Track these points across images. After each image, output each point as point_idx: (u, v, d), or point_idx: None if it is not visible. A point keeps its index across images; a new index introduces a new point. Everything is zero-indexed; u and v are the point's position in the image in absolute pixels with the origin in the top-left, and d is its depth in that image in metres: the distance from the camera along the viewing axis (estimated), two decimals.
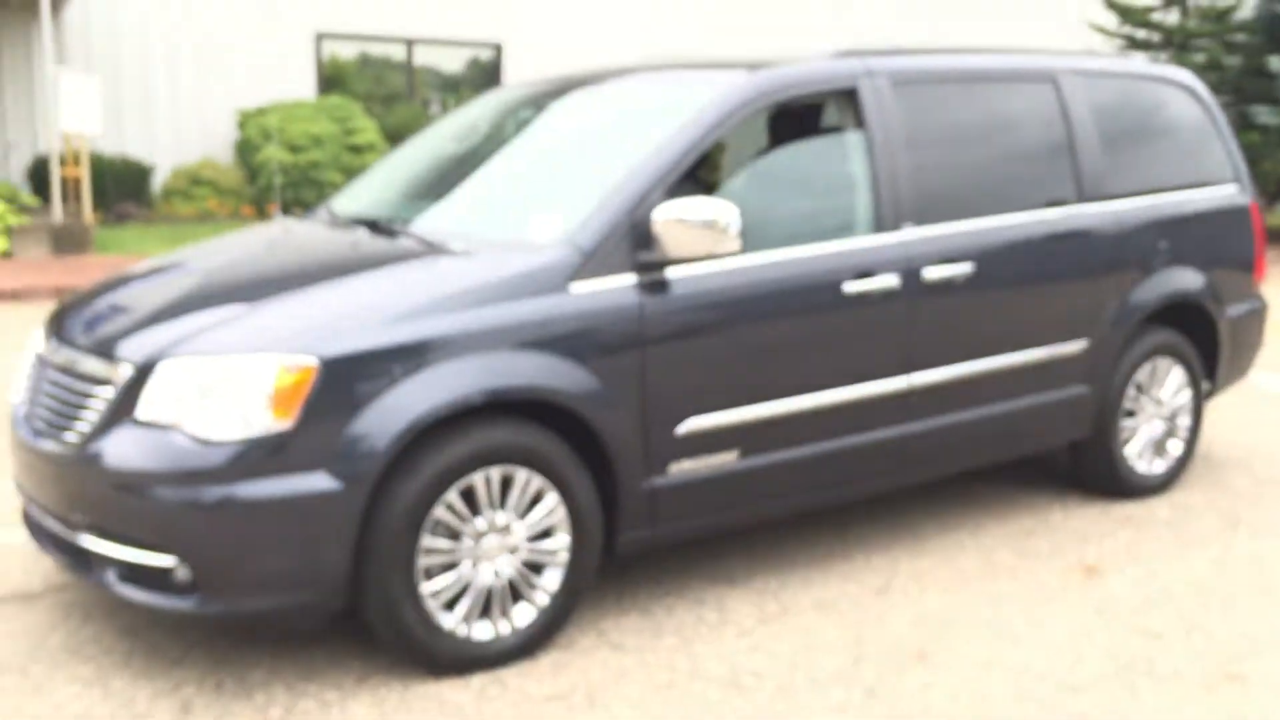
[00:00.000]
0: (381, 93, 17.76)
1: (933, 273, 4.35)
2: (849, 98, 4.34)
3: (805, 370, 4.10)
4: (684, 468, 3.90)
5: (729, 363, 3.93)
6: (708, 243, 3.71)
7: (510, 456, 3.53)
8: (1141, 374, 5.16)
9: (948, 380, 4.47)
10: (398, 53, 17.91)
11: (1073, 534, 4.82)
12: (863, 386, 4.25)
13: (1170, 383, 5.27)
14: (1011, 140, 4.86)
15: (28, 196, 13.41)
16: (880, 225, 4.29)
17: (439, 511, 3.44)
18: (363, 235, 4.19)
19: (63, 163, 12.40)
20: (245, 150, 15.75)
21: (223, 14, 16.20)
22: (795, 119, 4.48)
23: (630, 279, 3.74)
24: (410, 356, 3.37)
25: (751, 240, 4.01)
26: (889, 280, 4.23)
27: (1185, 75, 5.54)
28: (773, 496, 4.15)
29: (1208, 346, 5.44)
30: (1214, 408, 6.69)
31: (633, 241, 3.75)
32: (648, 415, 3.78)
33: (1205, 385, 5.48)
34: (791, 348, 4.06)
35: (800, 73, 4.24)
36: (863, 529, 4.83)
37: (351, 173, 14.93)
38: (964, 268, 4.43)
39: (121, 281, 4.11)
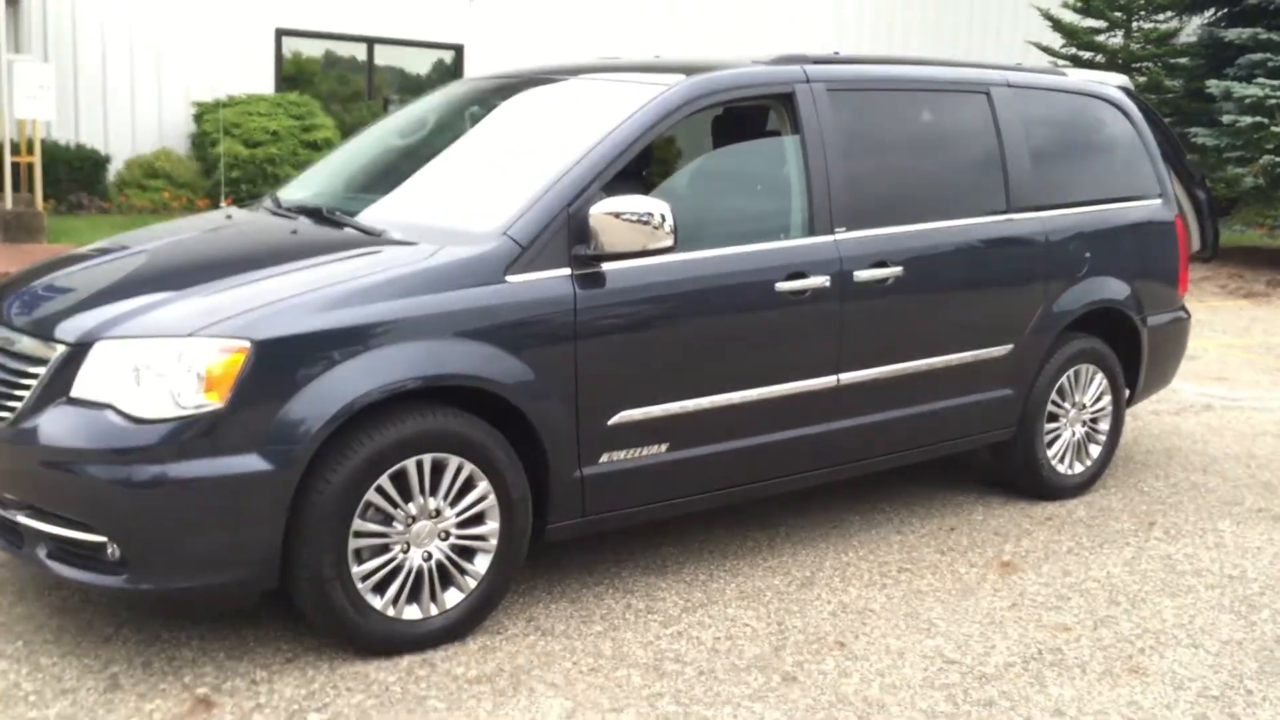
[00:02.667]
0: (343, 91, 17.75)
1: (863, 275, 4.48)
2: (786, 103, 4.47)
3: (736, 366, 4.22)
4: (615, 458, 4.00)
5: (661, 357, 4.04)
6: (642, 238, 3.81)
7: (442, 444, 3.61)
8: (1064, 379, 5.32)
9: (875, 379, 4.60)
10: (359, 52, 17.90)
11: (993, 532, 4.97)
12: (792, 384, 4.37)
13: (1092, 388, 5.44)
14: (944, 149, 5.01)
15: None
16: (813, 228, 4.42)
17: (371, 495, 3.52)
18: (305, 223, 4.27)
19: (15, 150, 12.33)
20: (202, 143, 15.69)
21: (184, 7, 16.13)
22: (733, 122, 4.60)
23: (565, 272, 3.84)
24: (344, 342, 3.45)
25: (688, 239, 4.11)
26: (820, 281, 4.36)
27: (1115, 92, 5.72)
28: (702, 489, 4.27)
29: (1131, 355, 5.61)
30: (1135, 414, 6.89)
31: (569, 235, 3.85)
32: (580, 406, 3.88)
33: (1126, 392, 5.65)
34: (723, 344, 4.18)
35: (737, 77, 4.36)
36: (792, 523, 4.95)
37: (302, 166, 14.92)
38: (894, 271, 4.57)
39: (62, 263, 4.17)
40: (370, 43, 17.79)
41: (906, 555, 4.67)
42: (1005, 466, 5.37)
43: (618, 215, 3.80)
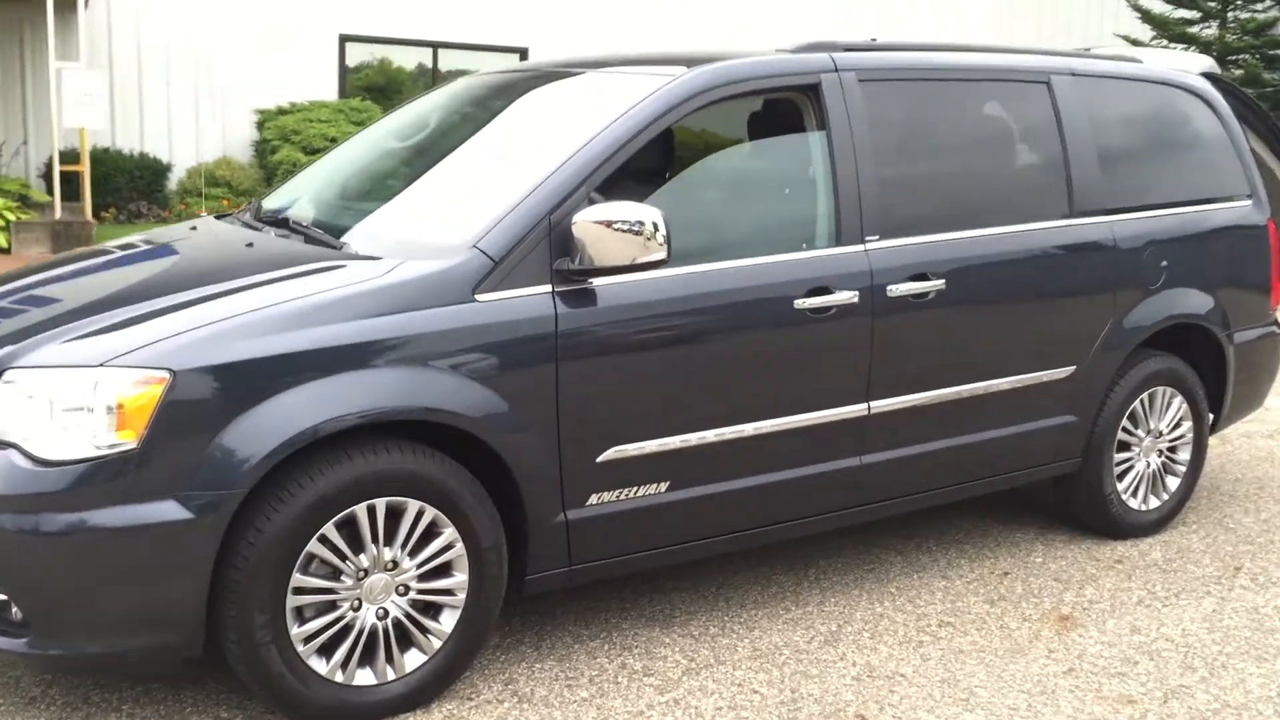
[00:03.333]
0: (406, 97, 17.53)
1: (899, 290, 3.95)
2: (810, 95, 3.95)
3: (749, 394, 3.72)
4: (606, 500, 3.53)
5: (660, 384, 3.56)
6: (632, 250, 3.34)
7: (398, 486, 3.17)
8: (1137, 404, 4.72)
9: (913, 407, 4.06)
10: (423, 57, 17.67)
11: (1052, 577, 4.40)
12: (815, 414, 3.85)
13: (1170, 413, 4.83)
14: (995, 147, 4.45)
15: (39, 193, 13.29)
16: (841, 237, 3.90)
17: (314, 547, 3.09)
18: (266, 236, 3.87)
19: (70, 160, 12.24)
20: (263, 150, 15.55)
21: (248, 14, 16.02)
22: (748, 118, 4.10)
23: (546, 289, 3.38)
24: (281, 371, 3.02)
25: (695, 251, 3.65)
26: (847, 297, 3.84)
27: (1198, 81, 5.09)
28: (708, 533, 3.78)
29: (1215, 375, 4.99)
30: (1224, 438, 6.22)
31: (551, 247, 3.39)
32: (563, 441, 3.41)
33: (1210, 417, 5.03)
34: (733, 370, 3.68)
35: (752, 66, 3.85)
36: (823, 564, 4.43)
37: None
38: (934, 285, 4.02)
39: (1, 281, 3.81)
40: (435, 47, 17.55)
41: (950, 605, 4.13)
42: (1069, 501, 4.79)
43: (608, 224, 3.32)
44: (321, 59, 16.71)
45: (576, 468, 3.45)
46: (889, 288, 3.93)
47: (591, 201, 3.46)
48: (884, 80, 4.09)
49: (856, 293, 3.86)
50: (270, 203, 4.40)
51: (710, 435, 3.66)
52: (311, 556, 3.11)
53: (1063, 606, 4.14)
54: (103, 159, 14.29)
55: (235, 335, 3.02)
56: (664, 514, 3.64)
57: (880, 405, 3.98)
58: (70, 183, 12.94)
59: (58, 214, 11.68)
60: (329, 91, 16.75)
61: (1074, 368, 4.46)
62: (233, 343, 3.00)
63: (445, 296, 3.25)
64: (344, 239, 3.62)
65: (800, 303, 3.76)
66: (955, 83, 4.32)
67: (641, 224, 3.33)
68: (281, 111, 15.73)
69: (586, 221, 3.34)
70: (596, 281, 3.43)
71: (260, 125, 15.79)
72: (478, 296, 3.28)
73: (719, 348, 3.65)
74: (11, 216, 11.45)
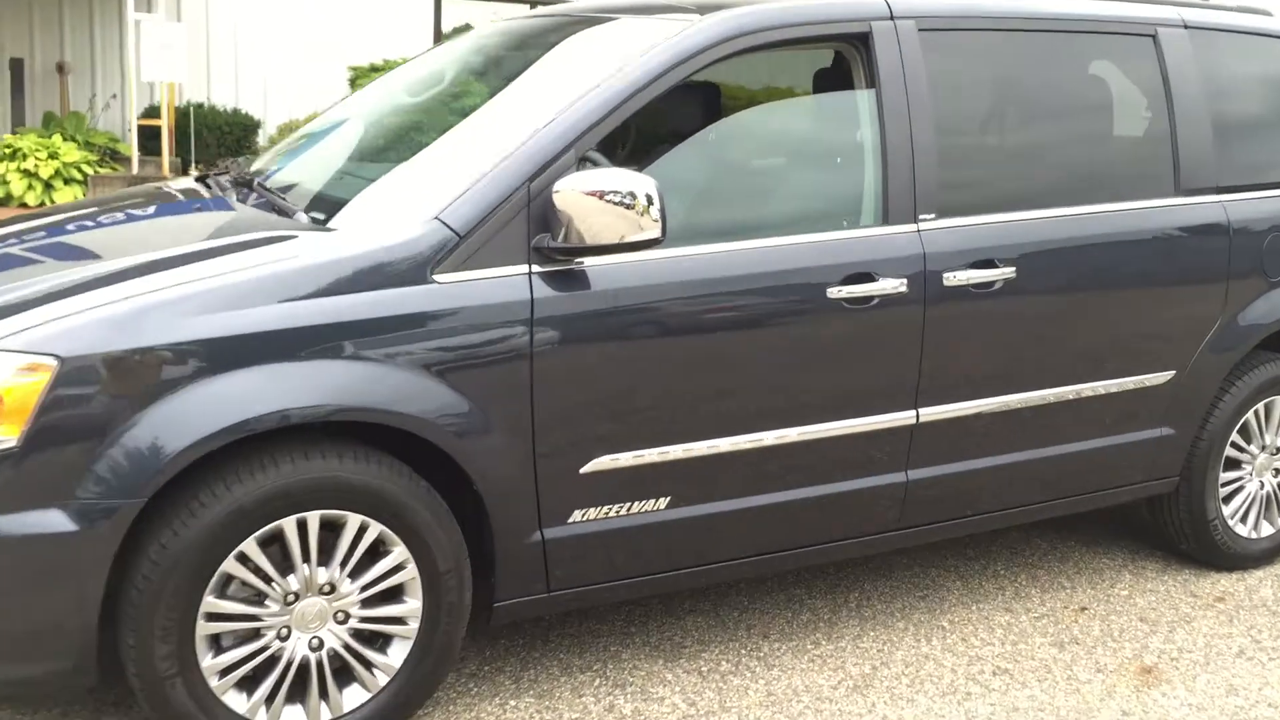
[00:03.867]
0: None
1: (957, 278, 3.35)
2: (857, 46, 3.35)
3: (769, 398, 3.17)
4: (592, 517, 3.02)
5: (661, 384, 3.03)
6: (622, 225, 2.81)
7: (335, 497, 2.71)
8: (1251, 415, 4.04)
9: (970, 416, 3.46)
10: (519, 14, 17.25)
11: (1138, 616, 3.76)
12: (850, 421, 3.29)
13: None
14: (1085, 112, 3.79)
15: (127, 147, 13.19)
16: (888, 215, 3.30)
17: (231, 566, 2.65)
18: (229, 199, 3.42)
19: (154, 115, 12.10)
20: None
21: None
22: (779, 73, 3.52)
23: (521, 270, 2.87)
24: (190, 361, 2.57)
25: (707, 229, 3.12)
26: (893, 285, 3.25)
27: None
28: (718, 557, 3.25)
29: None
30: None
31: (529, 221, 2.88)
32: (539, 448, 2.91)
33: None
34: (749, 368, 3.13)
35: (783, 13, 3.27)
36: (869, 587, 3.86)
37: None
38: (1003, 274, 3.41)
39: None
40: (532, 3, 17.09)
41: (1010, 648, 3.53)
42: (1165, 526, 4.13)
43: (599, 195, 2.80)
44: (417, 16, 16.40)
45: (556, 479, 2.95)
46: (945, 275, 3.33)
47: (583, 168, 2.93)
48: (948, 30, 3.46)
49: (905, 280, 3.27)
50: (260, 163, 3.96)
51: (723, 444, 3.12)
52: (229, 577, 2.66)
53: (1146, 655, 3.52)
54: (194, 114, 14.17)
55: (139, 317, 2.57)
56: (664, 534, 3.12)
57: (932, 413, 3.39)
58: (157, 137, 12.80)
59: (135, 169, 11.54)
60: (424, 48, 16.44)
61: (1173, 373, 3.79)
62: (135, 326, 2.56)
63: (396, 276, 2.76)
64: (305, 205, 3.15)
65: (835, 291, 3.18)
66: (1037, 34, 3.65)
67: (633, 196, 2.79)
68: (374, 69, 15.45)
69: (570, 191, 2.81)
70: (584, 262, 2.91)
71: (352, 82, 15.53)
72: (436, 277, 2.79)
73: (734, 342, 3.11)
74: (90, 170, 11.33)
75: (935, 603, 3.80)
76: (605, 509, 3.03)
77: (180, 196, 3.64)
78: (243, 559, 2.65)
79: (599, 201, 2.80)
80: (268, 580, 2.69)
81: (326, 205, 3.12)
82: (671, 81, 3.07)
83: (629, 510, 3.06)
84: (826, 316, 3.20)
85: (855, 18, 3.34)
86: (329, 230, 2.92)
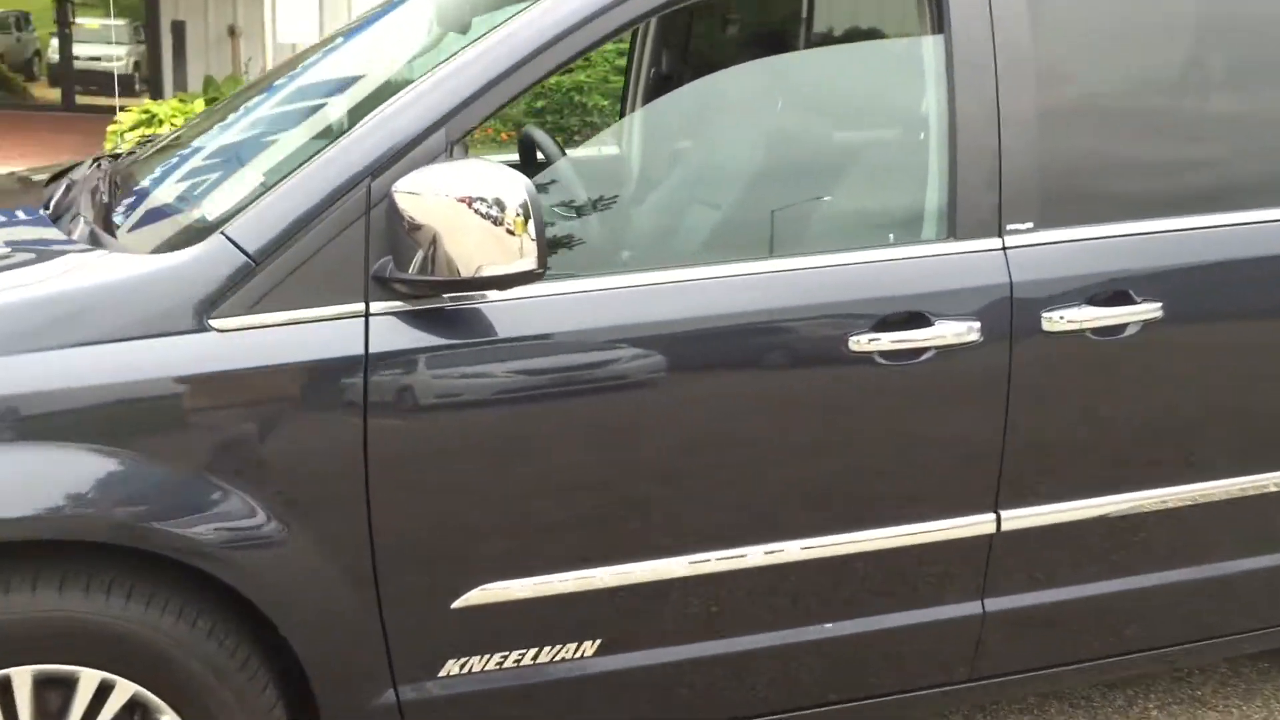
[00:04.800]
0: None
1: (1066, 319, 2.22)
2: None
3: (757, 497, 2.14)
4: (478, 669, 2.07)
5: (583, 478, 2.05)
6: (489, 250, 1.83)
7: (62, 646, 1.84)
8: None
9: (1085, 522, 2.33)
10: None
11: None
12: (889, 531, 2.22)
13: None
14: (1256, 75, 2.54)
15: None
16: (955, 224, 2.20)
17: None
18: (38, 202, 2.57)
19: None
20: None
21: None
22: (787, 15, 2.43)
23: (353, 310, 1.91)
24: None
25: (671, 246, 2.13)
26: (959, 331, 2.15)
27: None
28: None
29: None
30: None
31: (368, 236, 1.92)
32: (384, 573, 1.97)
33: None
34: (727, 454, 2.11)
35: None
36: None
37: (615, 98, 13.43)
38: (1141, 312, 2.26)
39: None
40: None
41: None
42: None
43: (470, 201, 1.82)
44: None
45: (413, 617, 2.01)
46: (1046, 315, 2.21)
47: (452, 155, 1.95)
48: None
49: (977, 323, 2.17)
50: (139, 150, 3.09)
51: (680, 565, 2.11)
52: None
53: None
54: None
55: None
56: (591, 692, 2.14)
57: (1020, 516, 2.28)
58: None
59: None
60: None
61: None
62: None
63: (153, 320, 1.85)
64: (115, 214, 2.27)
65: (862, 341, 2.11)
66: None
67: (500, 205, 1.80)
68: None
69: (432, 193, 1.84)
70: (457, 299, 1.94)
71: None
72: (215, 322, 1.86)
73: (697, 417, 2.08)
74: None
75: None
76: (496, 657, 2.07)
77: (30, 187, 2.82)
78: None
79: (470, 211, 1.82)
80: None
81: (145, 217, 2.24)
82: (619, 20, 2.05)
83: (536, 659, 2.09)
84: (846, 379, 2.13)
85: None
86: (98, 250, 2.03)
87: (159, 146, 2.69)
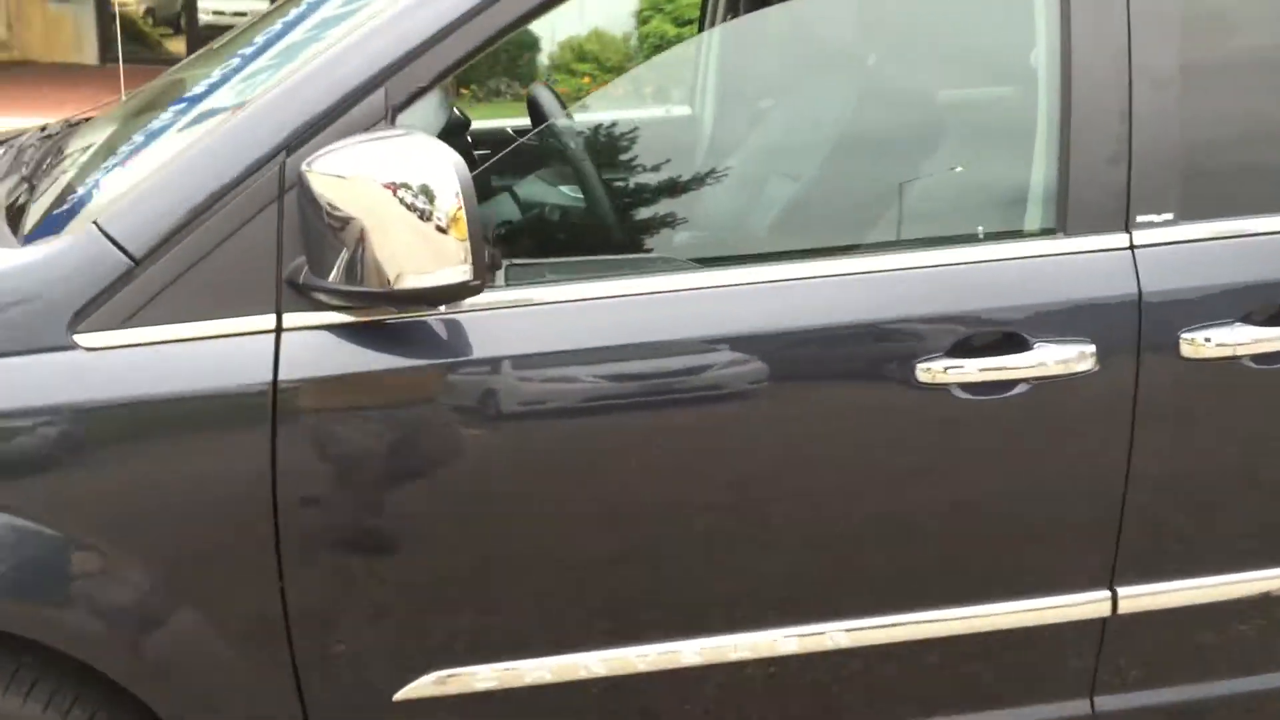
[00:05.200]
0: None
1: (1216, 341, 1.68)
2: None
3: (795, 564, 1.66)
4: None
5: (557, 543, 1.60)
6: (415, 252, 1.38)
7: None
8: None
9: (1230, 602, 1.80)
10: None
11: None
12: (965, 610, 1.72)
13: None
14: None
15: None
16: (1070, 216, 1.67)
17: None
18: None
19: None
20: (636, 22, 14.17)
21: None
22: None
23: (260, 325, 1.49)
24: None
25: (675, 241, 1.67)
26: (1068, 357, 1.63)
27: None
28: None
29: None
30: None
31: (281, 231, 1.49)
32: (302, 659, 1.55)
33: None
34: (750, 509, 1.63)
35: None
36: None
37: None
38: None
39: None
40: None
41: None
42: None
43: (393, 188, 1.38)
44: None
45: (340, 710, 1.59)
46: (1189, 336, 1.67)
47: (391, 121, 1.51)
48: None
49: (1092, 346, 1.64)
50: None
51: (690, 651, 1.65)
52: None
53: None
54: None
55: None
56: None
57: (1144, 594, 1.76)
58: None
59: None
60: None
61: None
62: None
63: (18, 337, 1.45)
64: (34, 200, 1.88)
65: (934, 368, 1.60)
66: None
67: (427, 193, 1.35)
68: None
69: (356, 174, 1.40)
70: (397, 313, 1.50)
71: None
72: (80, 338, 1.45)
73: (713, 466, 1.61)
74: None
75: None
76: None
77: None
78: None
79: (395, 201, 1.38)
80: None
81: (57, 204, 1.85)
82: None
83: None
84: (912, 417, 1.63)
85: None
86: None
87: (90, 119, 2.29)
